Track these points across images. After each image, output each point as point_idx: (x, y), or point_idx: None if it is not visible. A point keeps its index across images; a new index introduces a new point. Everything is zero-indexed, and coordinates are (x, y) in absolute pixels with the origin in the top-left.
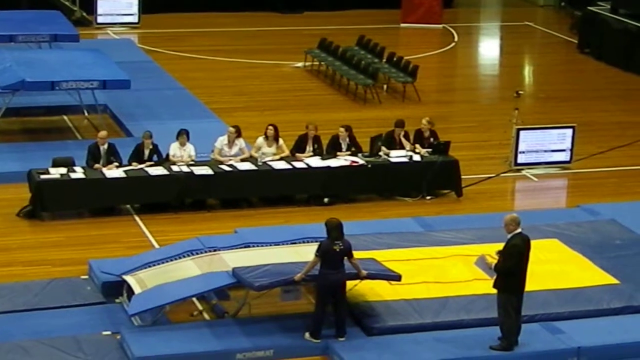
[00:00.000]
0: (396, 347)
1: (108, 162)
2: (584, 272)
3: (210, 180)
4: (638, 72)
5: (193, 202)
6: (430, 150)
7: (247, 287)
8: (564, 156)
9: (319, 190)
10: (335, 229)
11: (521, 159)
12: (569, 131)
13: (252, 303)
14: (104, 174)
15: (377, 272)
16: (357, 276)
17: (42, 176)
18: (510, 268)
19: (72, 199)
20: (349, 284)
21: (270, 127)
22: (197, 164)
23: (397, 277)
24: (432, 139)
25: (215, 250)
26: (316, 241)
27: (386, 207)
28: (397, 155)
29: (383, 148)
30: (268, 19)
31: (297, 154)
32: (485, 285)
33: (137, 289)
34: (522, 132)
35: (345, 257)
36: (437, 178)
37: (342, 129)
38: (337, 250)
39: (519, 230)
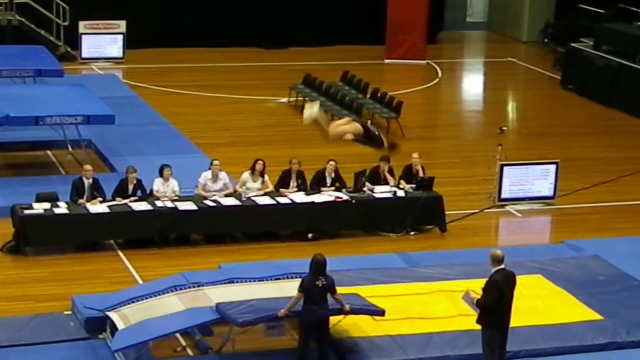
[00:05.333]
0: None
1: (92, 197)
2: (567, 308)
3: (194, 216)
4: (621, 108)
5: (177, 238)
6: (414, 186)
7: (231, 322)
8: (548, 192)
9: (303, 226)
10: (316, 265)
11: (505, 194)
12: (553, 167)
13: (236, 339)
14: (87, 209)
15: (361, 307)
16: (340, 312)
17: (26, 211)
18: (491, 304)
19: (56, 234)
20: (333, 319)
21: (260, 162)
22: (181, 199)
23: (380, 312)
24: (419, 175)
25: (199, 286)
26: (300, 277)
27: (370, 242)
28: (381, 191)
29: (367, 184)
30: (252, 55)
31: (281, 190)
32: (470, 321)
33: (120, 325)
34: (505, 168)
35: (329, 293)
36: (421, 214)
37: (332, 162)
38: (320, 285)
39: (502, 266)
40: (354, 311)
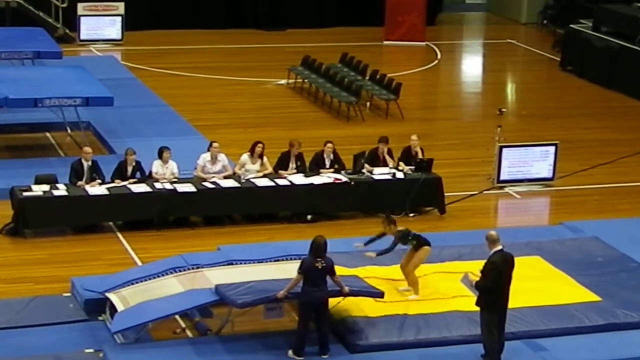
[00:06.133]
0: None
1: (91, 179)
2: (566, 290)
3: (193, 198)
4: (620, 89)
5: (176, 220)
6: (413, 167)
7: (230, 304)
8: (547, 173)
9: (302, 208)
10: (316, 247)
11: (504, 176)
12: (552, 148)
13: (235, 320)
14: (86, 191)
15: (360, 289)
16: (339, 293)
17: (25, 193)
18: (489, 286)
19: (55, 216)
20: (333, 300)
21: (260, 145)
22: (180, 181)
23: (379, 294)
24: (418, 156)
25: (198, 268)
26: (299, 258)
27: (369, 224)
28: (380, 173)
29: (366, 165)
30: (251, 36)
31: (280, 171)
32: (468, 302)
33: (119, 307)
34: (504, 150)
35: (328, 275)
36: (420, 195)
37: (330, 144)
38: (319, 267)
39: (499, 247)
40: (353, 293)
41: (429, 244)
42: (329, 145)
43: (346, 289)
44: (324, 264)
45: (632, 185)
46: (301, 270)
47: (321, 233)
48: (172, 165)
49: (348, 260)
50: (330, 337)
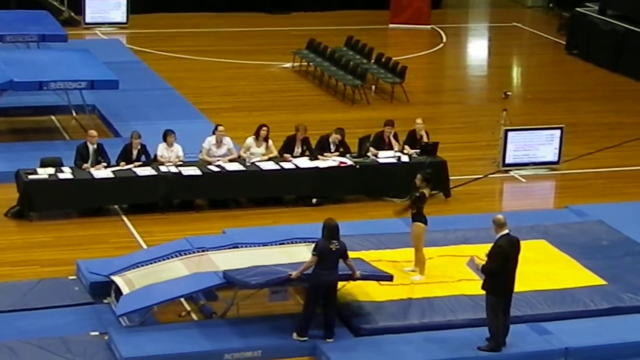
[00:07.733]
0: (385, 347)
1: (96, 162)
2: (571, 273)
3: (198, 181)
4: (626, 73)
5: (181, 203)
6: (418, 151)
7: (242, 286)
8: (552, 157)
9: (307, 191)
10: (329, 229)
11: (509, 159)
12: (557, 132)
13: (241, 304)
14: (92, 175)
15: (370, 272)
16: (350, 277)
17: (30, 176)
18: (495, 269)
19: (60, 199)
20: (339, 284)
21: (264, 128)
22: (185, 164)
23: (389, 278)
24: (423, 140)
25: (203, 251)
26: (304, 241)
27: (374, 207)
28: (385, 156)
29: (371, 149)
30: (256, 20)
31: (285, 155)
32: (473, 286)
33: (125, 290)
34: (510, 133)
35: (341, 258)
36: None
37: (337, 136)
38: (334, 249)
39: (506, 231)
40: (364, 277)
41: (423, 222)
42: (336, 136)
43: (358, 273)
44: (338, 247)
45: (637, 169)
46: (316, 252)
47: (326, 216)
48: (177, 149)
49: (353, 243)
50: (336, 320)
